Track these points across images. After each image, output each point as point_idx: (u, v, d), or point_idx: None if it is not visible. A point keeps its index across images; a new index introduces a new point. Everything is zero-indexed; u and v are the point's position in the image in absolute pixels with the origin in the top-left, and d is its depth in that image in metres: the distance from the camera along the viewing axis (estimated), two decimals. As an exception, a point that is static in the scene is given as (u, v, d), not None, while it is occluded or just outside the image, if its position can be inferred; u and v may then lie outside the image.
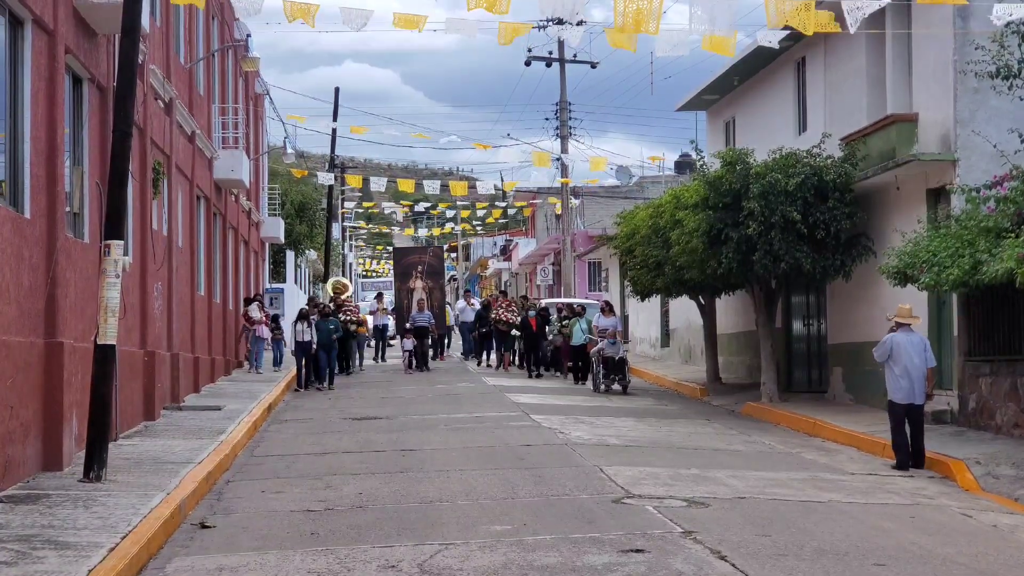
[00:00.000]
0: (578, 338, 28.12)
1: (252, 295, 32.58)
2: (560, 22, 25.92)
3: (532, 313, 30.98)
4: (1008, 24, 16.54)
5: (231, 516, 11.56)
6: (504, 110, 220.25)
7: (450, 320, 39.72)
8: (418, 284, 36.70)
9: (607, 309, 27.80)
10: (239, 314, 30.66)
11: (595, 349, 26.64)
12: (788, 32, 17.78)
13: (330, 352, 26.89)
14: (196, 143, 24.33)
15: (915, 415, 15.71)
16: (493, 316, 32.35)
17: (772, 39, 17.96)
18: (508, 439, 17.12)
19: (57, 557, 8.90)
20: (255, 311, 29.61)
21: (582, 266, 50.60)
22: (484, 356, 34.10)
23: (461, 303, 37.83)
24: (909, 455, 15.54)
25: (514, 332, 32.12)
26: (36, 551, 9.07)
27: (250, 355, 29.97)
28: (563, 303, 32.76)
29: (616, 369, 26.31)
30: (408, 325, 32.30)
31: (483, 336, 33.77)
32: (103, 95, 15.97)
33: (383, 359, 36.47)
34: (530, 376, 30.00)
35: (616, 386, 26.28)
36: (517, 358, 33.12)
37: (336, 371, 28.06)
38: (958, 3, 17.29)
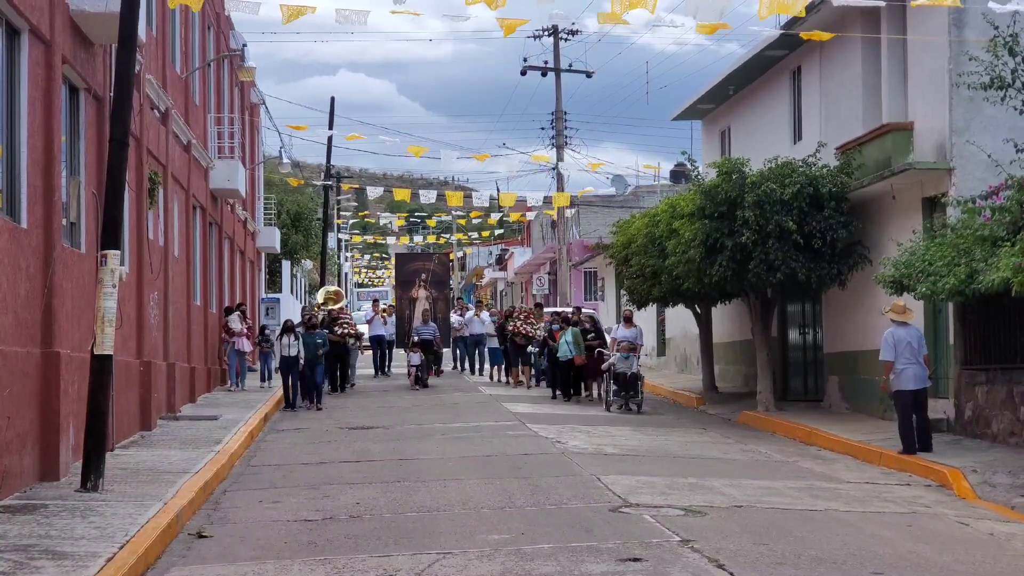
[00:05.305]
0: (563, 351, 26.12)
1: (235, 304, 30.31)
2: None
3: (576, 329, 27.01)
4: (994, 37, 16.55)
5: (228, 526, 11.55)
6: (500, 119, 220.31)
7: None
8: (421, 293, 34.64)
9: (629, 319, 25.62)
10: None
11: (607, 363, 24.76)
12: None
13: (315, 368, 24.55)
14: (192, 153, 24.35)
15: (921, 399, 16.68)
16: (511, 328, 29.69)
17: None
18: (505, 448, 17.11)
19: (55, 567, 8.89)
20: (235, 322, 27.78)
21: (578, 275, 50.60)
22: (496, 371, 31.60)
23: (470, 314, 33.65)
24: (915, 443, 16.47)
25: (530, 348, 29.51)
26: (34, 561, 9.06)
27: (230, 370, 27.79)
28: (568, 312, 29.45)
29: (629, 386, 24.05)
30: (413, 338, 30.24)
31: (504, 351, 30.64)
32: (99, 105, 15.99)
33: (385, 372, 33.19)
34: (561, 397, 26.80)
35: (631, 405, 23.88)
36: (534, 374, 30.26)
37: (327, 389, 26.41)
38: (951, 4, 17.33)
